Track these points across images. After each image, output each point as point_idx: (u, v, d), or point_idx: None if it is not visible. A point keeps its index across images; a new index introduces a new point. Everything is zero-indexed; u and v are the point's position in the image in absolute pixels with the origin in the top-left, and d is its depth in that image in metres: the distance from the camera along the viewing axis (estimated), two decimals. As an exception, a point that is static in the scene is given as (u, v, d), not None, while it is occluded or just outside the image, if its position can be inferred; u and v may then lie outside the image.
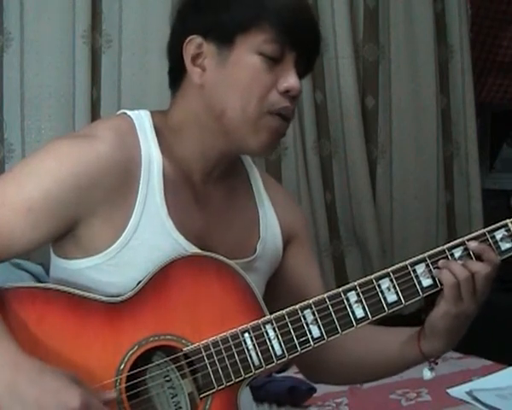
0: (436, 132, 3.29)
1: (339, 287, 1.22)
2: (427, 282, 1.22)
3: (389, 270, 1.22)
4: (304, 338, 1.20)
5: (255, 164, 1.42)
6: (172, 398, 1.19)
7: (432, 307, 1.24)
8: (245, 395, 1.26)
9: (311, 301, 1.21)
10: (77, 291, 1.18)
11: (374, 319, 1.22)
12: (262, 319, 1.20)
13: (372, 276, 1.22)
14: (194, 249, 1.24)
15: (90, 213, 1.19)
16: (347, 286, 1.22)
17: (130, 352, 1.16)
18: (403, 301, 1.21)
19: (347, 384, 1.95)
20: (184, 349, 1.18)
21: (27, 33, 2.57)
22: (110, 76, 2.69)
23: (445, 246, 1.23)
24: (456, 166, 3.41)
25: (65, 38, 2.60)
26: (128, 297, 1.18)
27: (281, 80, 1.23)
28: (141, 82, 2.71)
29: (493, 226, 1.24)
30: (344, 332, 1.21)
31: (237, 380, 1.19)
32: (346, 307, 1.21)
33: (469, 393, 2.07)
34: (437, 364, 1.28)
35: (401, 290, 1.21)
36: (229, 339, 1.18)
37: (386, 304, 1.21)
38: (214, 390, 1.18)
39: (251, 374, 1.19)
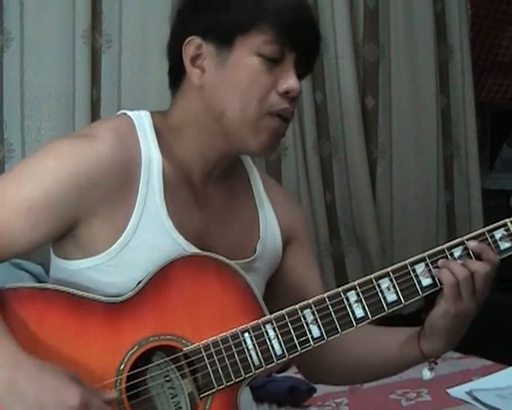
0: (436, 132, 3.29)
1: (338, 287, 1.22)
2: (426, 281, 1.22)
3: (389, 269, 1.22)
4: (304, 338, 1.20)
5: (255, 164, 1.42)
6: (172, 398, 1.19)
7: (432, 307, 1.24)
8: (245, 395, 1.26)
9: (310, 301, 1.21)
10: (76, 291, 1.18)
11: (374, 318, 1.22)
12: (262, 319, 1.20)
13: (372, 275, 1.22)
14: (194, 249, 1.24)
15: (89, 213, 1.19)
16: (347, 286, 1.22)
17: (131, 352, 1.16)
18: (402, 300, 1.21)
19: (347, 385, 1.95)
20: (184, 349, 1.18)
21: (27, 33, 2.57)
22: (110, 76, 2.69)
23: (445, 245, 1.23)
24: (456, 166, 3.41)
25: (65, 38, 2.60)
26: (128, 297, 1.18)
27: (280, 81, 1.23)
28: (141, 82, 2.71)
29: (493, 226, 1.24)
30: (344, 332, 1.21)
31: (237, 380, 1.19)
32: (345, 306, 1.21)
33: (469, 393, 2.06)
34: (436, 364, 1.28)
35: (401, 290, 1.21)
36: (229, 339, 1.18)
37: (386, 304, 1.21)
38: (214, 390, 1.18)
39: (251, 374, 1.19)
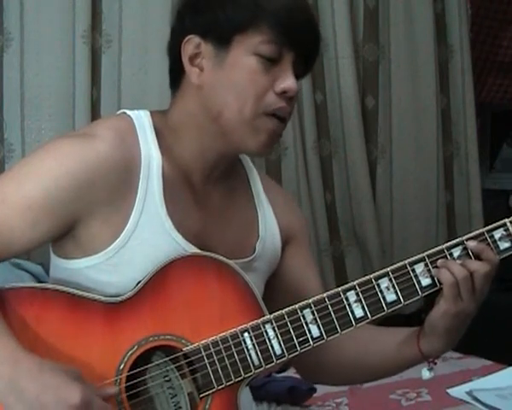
0: (436, 132, 3.29)
1: (338, 287, 1.22)
2: (426, 281, 1.22)
3: (388, 269, 1.22)
4: (303, 338, 1.20)
5: (255, 164, 1.42)
6: (172, 398, 1.19)
7: (432, 307, 1.24)
8: (245, 395, 1.26)
9: (310, 301, 1.21)
10: (76, 291, 1.18)
11: (373, 318, 1.22)
12: (261, 319, 1.20)
13: (371, 275, 1.22)
14: (194, 249, 1.24)
15: (89, 212, 1.19)
16: (347, 286, 1.22)
17: (130, 352, 1.16)
18: (402, 300, 1.21)
19: (346, 385, 1.95)
20: (184, 349, 1.18)
21: (27, 33, 2.57)
22: (110, 76, 2.70)
23: (444, 245, 1.23)
24: (456, 166, 3.41)
25: (65, 38, 2.60)
26: (127, 297, 1.18)
27: (278, 81, 1.23)
28: (141, 82, 2.71)
29: (492, 226, 1.24)
30: (343, 332, 1.21)
31: (237, 380, 1.19)
32: (345, 306, 1.21)
33: (469, 393, 2.06)
34: (436, 364, 1.28)
35: (400, 290, 1.21)
36: (229, 339, 1.18)
37: (386, 304, 1.21)
38: (214, 390, 1.18)
39: (250, 374, 1.19)
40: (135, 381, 1.16)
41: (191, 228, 1.26)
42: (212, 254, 1.22)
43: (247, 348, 1.19)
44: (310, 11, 1.30)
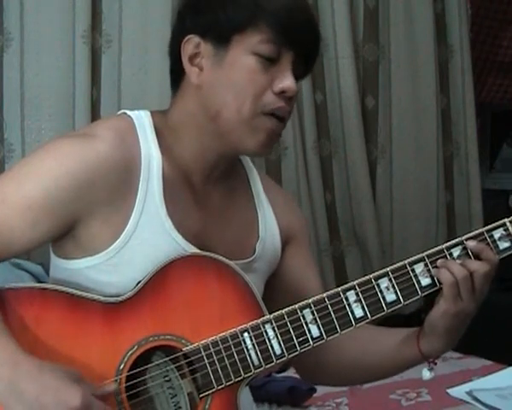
0: (436, 132, 3.29)
1: (338, 287, 1.22)
2: (425, 281, 1.22)
3: (388, 269, 1.22)
4: (303, 338, 1.20)
5: (255, 164, 1.42)
6: (172, 398, 1.19)
7: (431, 307, 1.24)
8: (245, 395, 1.26)
9: (310, 301, 1.20)
10: (76, 291, 1.18)
11: (373, 318, 1.21)
12: (261, 319, 1.20)
13: (371, 275, 1.22)
14: (194, 249, 1.24)
15: (89, 212, 1.19)
16: (346, 286, 1.22)
17: (130, 352, 1.16)
18: (402, 300, 1.21)
19: (345, 385, 1.95)
20: (184, 349, 1.18)
21: (27, 33, 2.57)
22: (110, 76, 2.70)
23: (444, 245, 1.23)
24: (456, 166, 3.41)
25: (65, 38, 2.61)
26: (127, 297, 1.18)
27: (276, 81, 1.23)
28: (141, 82, 2.72)
29: (492, 226, 1.24)
30: (343, 332, 1.21)
31: (237, 380, 1.19)
32: (345, 306, 1.21)
33: (469, 393, 2.07)
34: (436, 364, 1.28)
35: (400, 290, 1.21)
36: (229, 339, 1.18)
37: (386, 303, 1.21)
38: (214, 390, 1.18)
39: (250, 374, 1.19)
40: (135, 381, 1.16)
41: (191, 228, 1.26)
42: (212, 255, 1.22)
43: (246, 348, 1.19)
44: (310, 11, 1.29)
